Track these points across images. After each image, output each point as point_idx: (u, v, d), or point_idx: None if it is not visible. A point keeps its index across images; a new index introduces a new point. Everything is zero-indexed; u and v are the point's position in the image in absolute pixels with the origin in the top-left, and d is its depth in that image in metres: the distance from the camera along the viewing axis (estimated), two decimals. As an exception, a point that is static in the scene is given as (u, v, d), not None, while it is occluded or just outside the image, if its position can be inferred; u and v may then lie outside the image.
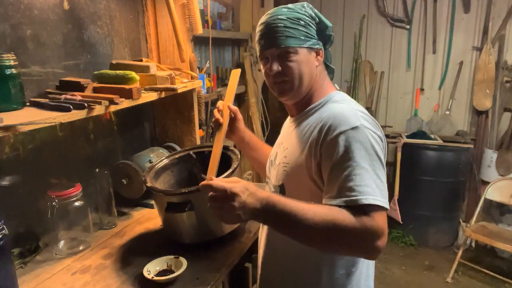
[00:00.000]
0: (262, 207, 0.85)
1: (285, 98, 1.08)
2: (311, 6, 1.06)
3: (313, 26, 1.03)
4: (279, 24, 1.00)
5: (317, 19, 1.04)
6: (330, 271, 1.03)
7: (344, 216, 0.83)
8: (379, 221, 0.84)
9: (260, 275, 1.21)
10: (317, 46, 1.04)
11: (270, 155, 1.22)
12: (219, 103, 1.29)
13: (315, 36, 1.04)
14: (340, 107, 0.99)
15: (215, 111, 1.28)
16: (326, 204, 0.89)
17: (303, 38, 1.01)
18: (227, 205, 0.84)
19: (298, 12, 1.02)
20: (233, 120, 1.31)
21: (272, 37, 1.01)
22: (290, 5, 1.04)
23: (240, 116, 1.33)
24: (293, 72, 1.02)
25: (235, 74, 1.35)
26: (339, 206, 0.85)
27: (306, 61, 1.03)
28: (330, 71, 1.13)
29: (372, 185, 0.86)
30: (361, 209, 0.84)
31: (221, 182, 0.87)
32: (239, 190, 0.84)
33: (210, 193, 0.87)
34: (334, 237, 0.85)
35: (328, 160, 0.92)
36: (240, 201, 0.84)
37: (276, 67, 1.02)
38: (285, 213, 0.84)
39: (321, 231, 0.84)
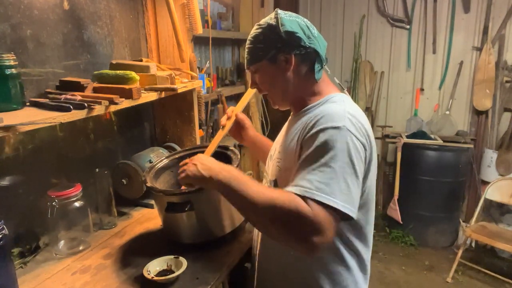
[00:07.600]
0: (210, 177, 0.98)
1: (275, 107, 1.15)
2: (279, 12, 1.01)
3: (273, 36, 1.00)
4: (246, 46, 1.07)
5: (279, 25, 0.99)
6: (325, 271, 1.04)
7: (288, 198, 0.85)
8: (321, 217, 0.83)
9: (257, 276, 1.21)
10: (281, 55, 1.01)
11: (270, 150, 1.24)
12: (230, 110, 1.35)
13: (277, 44, 1.00)
14: (333, 106, 0.99)
15: (224, 117, 1.34)
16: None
17: (261, 53, 1.03)
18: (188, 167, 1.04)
19: (261, 27, 1.03)
20: (241, 127, 1.38)
21: (245, 57, 1.09)
22: (263, 20, 1.05)
23: (248, 123, 1.39)
24: (263, 88, 1.11)
25: (250, 92, 1.38)
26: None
27: (271, 74, 1.05)
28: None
29: (333, 186, 0.85)
30: (310, 203, 0.84)
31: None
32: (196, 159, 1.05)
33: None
34: (274, 214, 0.87)
35: (305, 152, 0.93)
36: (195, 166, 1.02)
37: (253, 84, 1.13)
38: (232, 190, 0.94)
39: (262, 206, 0.88)
